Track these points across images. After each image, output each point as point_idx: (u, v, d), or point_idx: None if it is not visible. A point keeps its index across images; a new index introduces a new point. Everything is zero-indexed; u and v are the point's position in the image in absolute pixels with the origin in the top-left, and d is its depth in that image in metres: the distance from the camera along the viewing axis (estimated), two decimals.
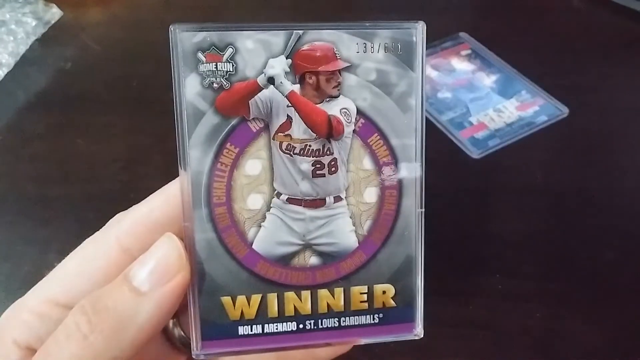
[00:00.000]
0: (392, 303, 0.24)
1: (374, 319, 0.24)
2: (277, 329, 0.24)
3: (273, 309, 0.24)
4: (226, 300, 0.23)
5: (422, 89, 0.23)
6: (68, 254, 0.24)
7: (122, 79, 0.47)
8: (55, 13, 0.50)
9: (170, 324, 0.26)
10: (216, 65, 0.22)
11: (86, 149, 0.44)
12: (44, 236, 0.41)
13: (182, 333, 0.26)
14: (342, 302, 0.24)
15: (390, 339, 0.25)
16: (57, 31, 0.50)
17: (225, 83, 0.22)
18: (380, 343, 0.25)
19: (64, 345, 0.20)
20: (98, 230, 0.24)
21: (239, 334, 0.24)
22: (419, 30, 0.22)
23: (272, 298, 0.24)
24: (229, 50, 0.22)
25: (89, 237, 0.24)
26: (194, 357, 0.23)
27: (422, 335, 0.25)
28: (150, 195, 0.23)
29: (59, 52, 0.48)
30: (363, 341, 0.25)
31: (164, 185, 0.24)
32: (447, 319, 0.38)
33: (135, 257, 0.22)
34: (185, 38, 0.21)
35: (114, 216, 0.24)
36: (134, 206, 0.23)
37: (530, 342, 0.37)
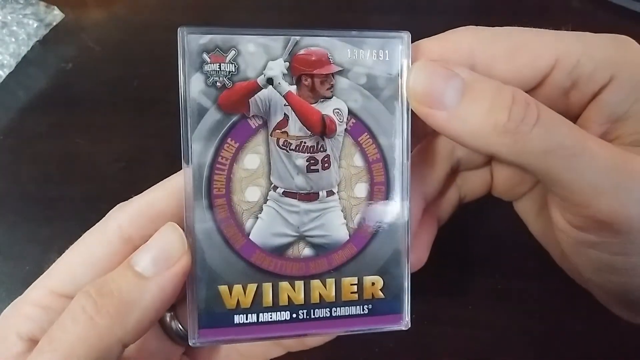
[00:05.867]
0: (381, 295, 0.26)
1: (363, 309, 0.26)
2: (271, 318, 0.25)
3: (268, 298, 0.25)
4: (223, 289, 0.24)
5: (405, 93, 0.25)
6: None
7: (123, 80, 0.47)
8: (56, 15, 0.50)
9: (167, 317, 0.27)
10: (219, 65, 0.23)
11: (87, 149, 0.44)
12: (45, 236, 0.41)
13: (180, 326, 0.27)
14: (333, 293, 0.25)
15: (379, 329, 0.26)
16: (59, 32, 0.50)
17: (227, 82, 0.23)
18: (369, 333, 0.26)
19: (70, 328, 0.20)
20: None
21: (235, 322, 0.24)
22: (404, 40, 0.25)
23: (267, 288, 0.25)
24: (232, 52, 0.23)
25: None
26: (190, 344, 0.24)
27: (409, 327, 0.26)
28: (152, 187, 0.24)
29: (60, 53, 0.48)
30: (352, 331, 0.26)
31: None
32: (447, 319, 0.38)
33: (136, 245, 0.23)
34: (192, 40, 0.23)
35: None
36: (135, 197, 0.24)
37: (530, 342, 0.37)
